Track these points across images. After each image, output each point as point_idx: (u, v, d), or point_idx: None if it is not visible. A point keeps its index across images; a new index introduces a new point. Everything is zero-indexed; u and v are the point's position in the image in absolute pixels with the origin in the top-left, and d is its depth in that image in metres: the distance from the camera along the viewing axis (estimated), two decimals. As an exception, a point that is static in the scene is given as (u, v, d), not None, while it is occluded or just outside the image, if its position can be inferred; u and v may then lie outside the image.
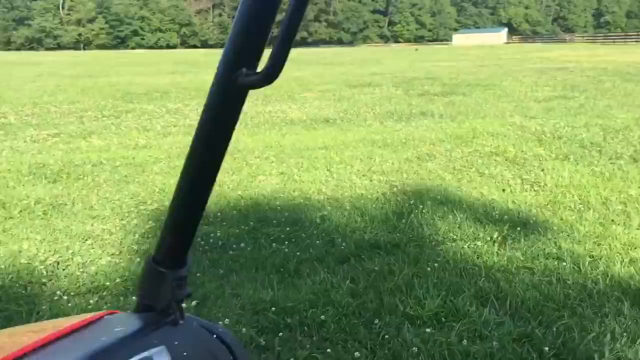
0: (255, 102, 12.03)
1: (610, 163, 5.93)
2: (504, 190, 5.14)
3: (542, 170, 5.76)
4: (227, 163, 6.20)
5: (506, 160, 6.20)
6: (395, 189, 5.22)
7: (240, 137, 8.00)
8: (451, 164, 6.11)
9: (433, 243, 4.00)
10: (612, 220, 4.36)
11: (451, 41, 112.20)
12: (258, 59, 0.67)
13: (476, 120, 9.00)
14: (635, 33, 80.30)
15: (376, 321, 3.00)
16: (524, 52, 38.35)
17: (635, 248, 3.82)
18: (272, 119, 9.76)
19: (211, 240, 4.13)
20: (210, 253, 3.94)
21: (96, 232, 4.37)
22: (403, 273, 3.50)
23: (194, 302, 3.19)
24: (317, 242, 4.06)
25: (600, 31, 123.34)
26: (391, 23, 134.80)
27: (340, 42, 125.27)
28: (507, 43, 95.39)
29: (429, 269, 3.53)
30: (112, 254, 3.97)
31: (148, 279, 0.89)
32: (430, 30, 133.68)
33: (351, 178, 5.67)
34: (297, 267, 3.69)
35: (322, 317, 3.05)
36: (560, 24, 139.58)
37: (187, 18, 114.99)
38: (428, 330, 2.90)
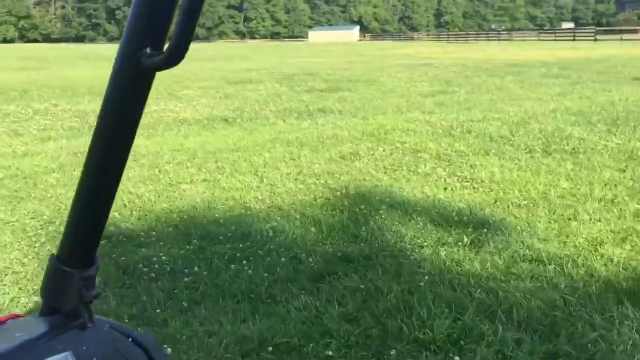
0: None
1: (530, 157, 6.05)
2: (445, 188, 5.00)
3: (471, 166, 5.73)
4: (135, 170, 5.49)
5: (432, 157, 6.11)
6: (337, 192, 4.87)
7: (136, 140, 7.19)
8: (380, 163, 5.89)
9: (404, 252, 3.71)
10: (562, 214, 4.37)
11: (307, 38, 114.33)
12: (164, 37, 0.63)
13: (378, 116, 8.91)
14: (474, 32, 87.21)
15: (388, 351, 2.65)
16: (382, 49, 39.83)
17: (601, 244, 3.81)
18: (162, 118, 8.97)
19: (155, 265, 3.51)
20: (160, 282, 3.32)
21: (4, 264, 3.55)
22: (394, 290, 3.16)
23: (169, 349, 2.62)
24: (281, 259, 3.60)
25: (441, 30, 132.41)
26: (247, 19, 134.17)
27: (195, 38, 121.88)
28: (360, 40, 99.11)
29: (420, 283, 3.23)
30: (34, 291, 3.22)
31: (53, 279, 0.83)
32: (285, 27, 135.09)
33: (284, 182, 5.23)
34: (268, 291, 3.22)
35: (328, 352, 2.63)
36: (405, 22, 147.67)
37: (25, 10, 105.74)
38: (450, 356, 2.60)
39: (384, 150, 6.43)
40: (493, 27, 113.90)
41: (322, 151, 6.46)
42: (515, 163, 5.80)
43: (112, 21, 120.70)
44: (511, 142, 6.78)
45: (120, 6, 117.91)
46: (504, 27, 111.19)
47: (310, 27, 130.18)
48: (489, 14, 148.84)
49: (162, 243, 3.87)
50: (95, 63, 24.73)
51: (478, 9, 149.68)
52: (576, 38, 54.33)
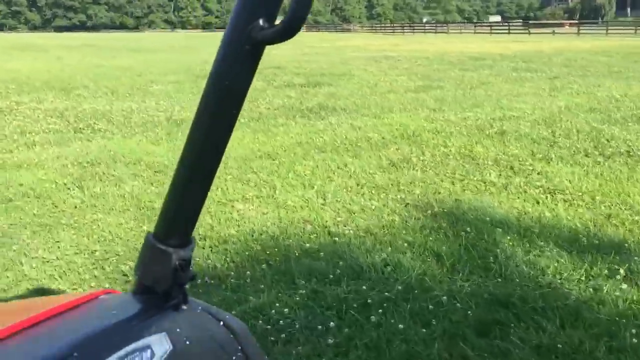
0: (101, 97, 10.07)
1: (594, 161, 5.61)
2: (537, 202, 4.47)
3: (539, 173, 5.23)
4: (161, 186, 4.66)
5: (491, 163, 5.56)
6: (425, 211, 4.23)
7: (145, 147, 6.31)
8: (439, 171, 5.29)
9: (559, 290, 3.13)
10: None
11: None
12: (277, 10, 0.62)
13: (390, 115, 8.32)
14: (409, 24, 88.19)
15: None
16: (327, 41, 39.22)
17: None
18: (156, 119, 8.03)
19: (278, 320, 2.77)
20: (296, 345, 2.60)
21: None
22: (599, 349, 2.57)
23: None
24: (423, 304, 2.94)
25: (373, 22, 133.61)
26: (177, 8, 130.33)
27: (123, 27, 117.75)
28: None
29: (627, 341, 2.65)
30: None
31: (148, 257, 0.80)
32: (217, 17, 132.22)
33: (351, 198, 4.54)
34: (440, 355, 2.56)
35: None
36: (338, 14, 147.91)
37: None
38: None
39: (432, 156, 5.83)
40: (425, 19, 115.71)
41: (364, 157, 5.79)
42: (585, 169, 5.34)
43: (34, 9, 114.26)
44: (558, 144, 6.34)
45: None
46: (434, 20, 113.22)
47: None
48: (419, 6, 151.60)
49: (262, 286, 3.12)
50: (33, 54, 22.86)
51: (408, 2, 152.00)
52: (511, 31, 55.75)
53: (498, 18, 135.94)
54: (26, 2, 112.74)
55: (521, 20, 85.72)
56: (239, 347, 0.82)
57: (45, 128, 7.37)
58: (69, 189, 4.71)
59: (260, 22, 0.60)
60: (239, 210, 4.26)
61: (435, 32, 63.29)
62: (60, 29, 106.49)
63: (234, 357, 0.81)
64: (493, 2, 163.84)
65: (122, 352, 0.69)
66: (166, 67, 16.86)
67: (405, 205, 4.38)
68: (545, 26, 58.87)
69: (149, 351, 0.71)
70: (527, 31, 54.07)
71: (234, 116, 0.70)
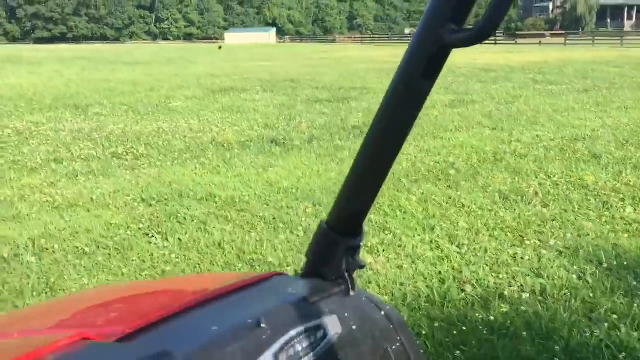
0: (122, 116, 9.28)
1: None
2: None
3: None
4: (255, 229, 3.91)
5: (616, 194, 4.88)
6: (593, 261, 3.53)
7: (202, 176, 5.53)
8: (568, 207, 4.59)
9: None
10: None
11: (223, 39, 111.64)
12: (468, 14, 0.62)
13: (451, 134, 7.65)
14: (394, 35, 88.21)
15: None
16: (321, 53, 38.65)
17: None
18: (195, 142, 7.24)
19: None
20: None
21: None
22: None
23: None
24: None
25: (353, 32, 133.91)
26: (158, 20, 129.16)
27: (104, 39, 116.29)
28: (280, 42, 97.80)
29: None
30: None
31: (321, 244, 0.87)
32: (199, 28, 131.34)
33: (495, 246, 3.82)
34: None
35: None
36: (319, 25, 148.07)
37: None
38: None
39: (541, 185, 5.14)
40: (407, 31, 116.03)
41: (465, 188, 5.08)
42: None
43: (13, 20, 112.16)
44: (666, 169, 5.71)
45: (21, 4, 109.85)
46: (411, 31, 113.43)
47: (225, 28, 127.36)
48: (399, 17, 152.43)
49: None
50: (28, 68, 21.81)
51: (389, 13, 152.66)
52: (497, 42, 55.83)
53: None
54: (5, 14, 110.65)
55: (502, 31, 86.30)
56: (398, 338, 0.87)
57: (80, 154, 6.54)
58: (149, 235, 3.92)
59: (452, 25, 0.60)
60: (369, 263, 3.52)
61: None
62: (40, 41, 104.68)
63: (393, 346, 0.85)
64: (472, 14, 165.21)
65: (300, 328, 0.76)
66: (174, 81, 16.03)
67: (560, 254, 3.68)
68: (529, 37, 59.09)
69: (322, 331, 0.78)
70: (514, 42, 54.26)
71: (414, 116, 0.73)
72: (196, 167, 5.87)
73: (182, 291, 0.89)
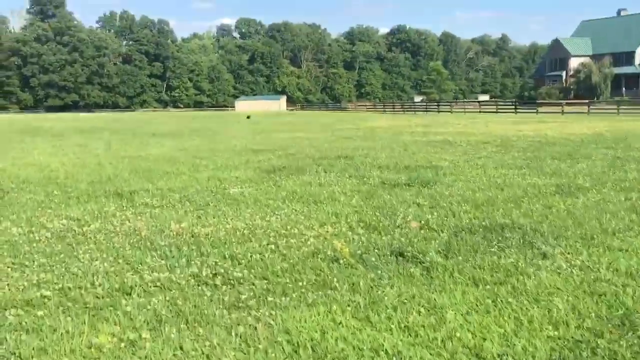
0: (181, 208, 7.57)
1: None
2: None
3: None
4: None
5: None
6: None
7: (367, 330, 3.73)
8: None
9: None
10: None
11: (233, 107, 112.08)
12: None
13: (605, 244, 5.86)
14: (409, 103, 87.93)
15: None
16: (347, 122, 37.46)
17: None
18: (298, 254, 5.47)
19: None
20: None
21: None
22: None
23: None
24: None
25: (361, 100, 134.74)
26: (169, 87, 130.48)
27: (115, 106, 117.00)
28: (291, 109, 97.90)
29: None
30: None
31: None
32: (209, 96, 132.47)
33: None
34: None
35: None
36: (328, 92, 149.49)
37: None
38: None
39: None
40: (418, 99, 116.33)
41: None
42: None
43: (26, 89, 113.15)
44: None
45: (35, 73, 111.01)
46: (423, 99, 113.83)
47: (235, 96, 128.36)
48: (407, 85, 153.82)
49: None
50: (49, 141, 20.39)
51: (396, 81, 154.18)
52: (518, 110, 54.96)
53: (486, 97, 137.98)
54: (18, 82, 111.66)
55: (514, 100, 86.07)
56: None
57: (152, 277, 4.76)
58: None
59: None
60: None
61: (438, 111, 62.51)
62: (51, 109, 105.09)
63: None
64: (477, 82, 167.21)
65: None
66: (213, 157, 14.45)
67: None
68: (545, 105, 58.20)
69: None
70: (535, 110, 53.32)
71: None
72: (330, 310, 4.07)
73: None
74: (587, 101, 53.36)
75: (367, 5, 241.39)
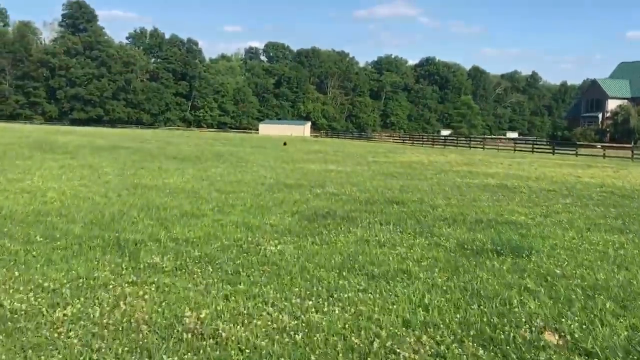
0: (230, 289, 5.37)
1: None
2: None
3: None
4: None
5: None
6: None
7: None
8: None
9: None
10: None
11: (257, 130, 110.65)
12: None
13: None
14: (433, 136, 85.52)
15: None
16: (380, 155, 35.21)
17: None
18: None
19: None
20: None
21: None
22: None
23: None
24: None
25: (386, 130, 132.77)
26: (194, 107, 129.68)
27: (139, 123, 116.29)
28: (316, 137, 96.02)
29: None
30: None
31: None
32: (233, 118, 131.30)
33: None
34: None
35: None
36: (352, 121, 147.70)
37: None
38: None
39: None
40: (445, 133, 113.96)
41: None
42: None
43: (52, 100, 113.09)
44: None
45: (62, 86, 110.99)
46: (452, 132, 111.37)
47: (259, 119, 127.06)
48: (432, 117, 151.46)
49: None
50: (59, 159, 18.42)
51: (422, 113, 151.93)
52: (555, 152, 52.30)
53: (515, 134, 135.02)
54: (45, 94, 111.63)
55: (548, 139, 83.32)
56: None
57: None
58: None
59: None
60: None
61: (469, 147, 60.05)
62: (76, 122, 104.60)
63: None
64: (505, 118, 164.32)
65: None
66: (240, 193, 12.26)
67: None
68: (585, 147, 55.46)
69: None
70: (574, 152, 50.60)
71: None
72: None
73: None
74: (630, 145, 50.58)
75: (395, 36, 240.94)
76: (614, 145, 56.47)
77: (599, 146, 55.53)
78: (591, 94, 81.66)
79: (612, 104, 76.80)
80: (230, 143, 41.27)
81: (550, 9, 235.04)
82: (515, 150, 55.76)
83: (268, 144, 43.97)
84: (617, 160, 41.97)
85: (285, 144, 38.78)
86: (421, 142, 70.97)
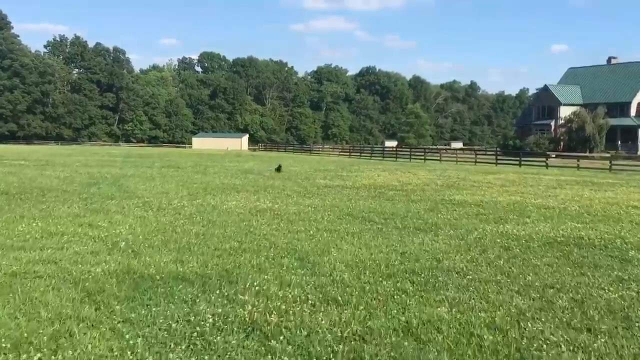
0: None
1: None
2: None
3: None
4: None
5: None
6: None
7: None
8: None
9: None
10: None
11: (190, 144, 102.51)
12: None
13: None
14: (380, 147, 79.97)
15: None
16: (327, 171, 28.69)
17: None
18: None
19: None
20: None
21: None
22: None
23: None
24: None
25: (327, 142, 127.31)
26: (122, 120, 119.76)
27: (60, 138, 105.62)
28: (253, 150, 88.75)
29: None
30: None
31: None
32: (165, 131, 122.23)
33: None
34: None
35: None
36: (293, 133, 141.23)
37: None
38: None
39: None
40: (389, 144, 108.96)
41: None
42: None
43: None
44: None
45: None
46: (398, 143, 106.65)
47: (193, 132, 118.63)
48: (375, 128, 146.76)
49: None
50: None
51: (364, 124, 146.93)
52: (522, 163, 47.15)
53: (460, 144, 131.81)
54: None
55: (497, 148, 79.38)
56: None
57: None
58: None
59: None
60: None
61: (424, 159, 54.50)
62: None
63: None
64: (447, 128, 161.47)
65: None
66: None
67: None
68: (569, 157, 50.80)
69: None
70: (544, 163, 45.34)
71: None
72: None
73: None
74: (608, 154, 46.00)
75: (333, 48, 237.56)
76: (581, 155, 52.13)
77: (554, 156, 51.35)
78: (542, 101, 78.04)
79: (565, 111, 73.33)
80: (134, 163, 33.53)
81: (476, 25, 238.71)
82: (476, 162, 50.34)
83: (190, 162, 36.50)
84: (598, 171, 37.05)
85: (278, 169, 28.18)
86: (369, 154, 64.97)
